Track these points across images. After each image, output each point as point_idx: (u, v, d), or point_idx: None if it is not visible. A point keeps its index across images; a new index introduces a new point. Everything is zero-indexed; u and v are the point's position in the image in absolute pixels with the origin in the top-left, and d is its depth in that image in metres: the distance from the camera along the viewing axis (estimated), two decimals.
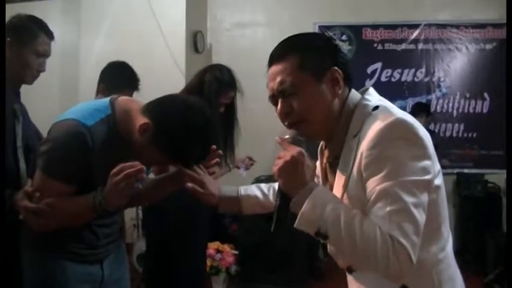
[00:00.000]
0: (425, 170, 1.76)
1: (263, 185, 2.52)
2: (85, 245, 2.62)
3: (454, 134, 8.34)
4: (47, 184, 2.41)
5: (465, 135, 8.31)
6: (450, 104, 8.38)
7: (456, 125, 8.36)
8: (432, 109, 8.30)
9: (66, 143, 2.35)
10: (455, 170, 8.14)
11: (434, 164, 1.83)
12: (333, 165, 2.03)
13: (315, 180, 2.06)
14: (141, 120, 2.39)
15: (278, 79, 1.94)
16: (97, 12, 8.10)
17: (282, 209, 1.94)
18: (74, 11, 8.10)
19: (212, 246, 6.43)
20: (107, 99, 2.54)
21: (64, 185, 2.40)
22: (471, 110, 8.34)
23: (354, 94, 2.01)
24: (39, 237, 2.50)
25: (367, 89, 2.04)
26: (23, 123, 3.10)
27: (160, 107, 2.44)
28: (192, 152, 2.42)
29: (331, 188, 2.00)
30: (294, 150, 1.86)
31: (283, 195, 1.92)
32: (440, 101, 8.39)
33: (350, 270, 2.07)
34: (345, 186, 1.89)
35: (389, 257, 1.64)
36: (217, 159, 2.59)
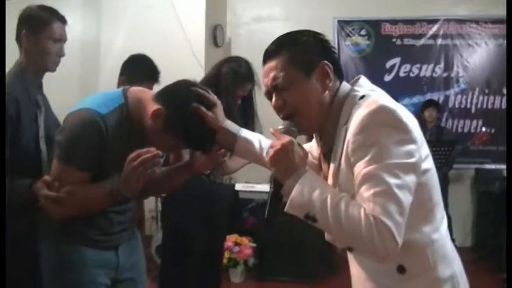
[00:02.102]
0: (410, 154, 1.81)
1: (264, 138, 2.55)
2: (100, 231, 2.68)
3: (472, 130, 8.33)
4: (63, 172, 2.47)
5: (483, 130, 8.27)
6: (469, 100, 8.37)
7: (474, 120, 8.35)
8: (450, 105, 8.32)
9: (81, 131, 2.42)
10: (474, 166, 8.14)
11: (421, 148, 1.88)
12: (326, 155, 2.09)
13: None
14: (153, 106, 2.45)
15: (271, 75, 2.04)
16: (117, 6, 8.16)
17: (276, 196, 2.00)
18: (94, 5, 8.16)
19: (230, 239, 6.46)
20: (119, 90, 2.61)
21: (80, 172, 2.46)
22: (490, 106, 8.32)
23: (344, 86, 2.06)
24: (56, 223, 2.56)
25: (358, 79, 2.09)
26: (45, 114, 3.15)
27: (171, 92, 2.51)
28: (203, 135, 2.47)
29: (326, 178, 2.07)
30: (284, 139, 1.94)
31: (276, 183, 1.99)
32: (459, 96, 8.39)
33: (350, 249, 2.11)
34: (336, 174, 1.96)
35: (373, 237, 1.70)
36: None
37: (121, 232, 2.78)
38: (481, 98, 8.36)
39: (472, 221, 8.07)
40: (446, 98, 8.37)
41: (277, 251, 6.64)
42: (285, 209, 1.90)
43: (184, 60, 7.61)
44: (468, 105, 8.39)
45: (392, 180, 1.74)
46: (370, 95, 1.95)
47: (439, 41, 8.44)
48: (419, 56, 8.50)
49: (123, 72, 4.42)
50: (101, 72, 7.86)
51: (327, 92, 2.02)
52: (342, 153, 1.92)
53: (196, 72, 7.12)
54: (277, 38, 2.11)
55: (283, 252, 6.62)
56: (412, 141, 1.83)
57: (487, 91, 8.34)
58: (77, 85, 7.45)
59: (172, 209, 4.20)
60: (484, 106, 8.35)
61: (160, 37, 7.70)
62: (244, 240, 6.70)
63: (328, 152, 2.06)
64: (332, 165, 2.00)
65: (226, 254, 6.32)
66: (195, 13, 7.87)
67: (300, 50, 2.03)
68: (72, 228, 2.58)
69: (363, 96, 1.95)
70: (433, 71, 8.44)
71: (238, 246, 6.57)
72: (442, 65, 8.43)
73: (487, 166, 8.10)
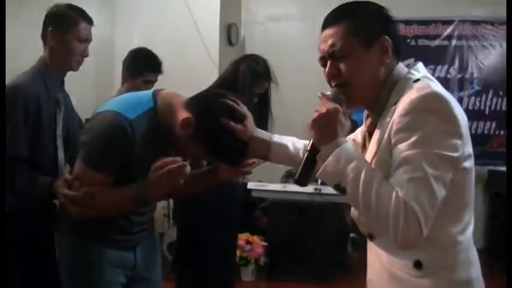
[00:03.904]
0: (454, 147, 1.78)
1: (297, 139, 2.56)
2: (119, 231, 2.68)
3: (486, 132, 8.29)
4: (86, 174, 2.47)
5: (497, 132, 8.27)
6: (483, 101, 8.32)
7: (488, 122, 8.31)
8: (464, 106, 8.24)
9: (106, 134, 2.40)
10: (487, 168, 8.09)
11: (465, 146, 1.85)
12: (371, 133, 2.07)
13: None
14: (183, 114, 2.42)
15: (329, 42, 2.01)
16: (132, 4, 8.20)
17: (310, 161, 2.00)
18: (109, 4, 8.18)
19: (242, 238, 6.47)
20: (149, 92, 2.57)
21: (103, 175, 2.45)
22: (504, 108, 8.26)
23: (401, 67, 2.05)
24: (75, 222, 2.56)
25: (416, 64, 2.07)
26: (65, 113, 3.18)
27: (201, 103, 2.48)
28: (231, 150, 2.47)
29: (367, 156, 2.04)
30: (330, 105, 1.93)
31: (313, 147, 1.99)
32: (473, 98, 8.34)
33: (371, 237, 2.10)
34: (376, 151, 1.95)
35: (399, 222, 1.69)
36: (254, 160, 2.64)
37: (140, 233, 2.78)
38: (495, 99, 8.30)
39: (485, 223, 8.02)
40: (460, 99, 8.30)
41: (289, 250, 6.65)
42: (317, 175, 1.91)
43: (198, 59, 7.64)
44: (482, 107, 8.33)
45: (431, 170, 1.73)
46: (424, 80, 1.93)
47: (454, 42, 8.39)
48: (434, 56, 8.43)
49: (124, 68, 4.44)
50: (116, 70, 7.79)
51: (382, 68, 2.01)
52: (385, 132, 1.90)
53: (210, 70, 7.18)
54: (341, 5, 2.09)
55: (295, 252, 6.63)
56: (459, 135, 1.81)
57: (501, 93, 8.28)
58: (92, 82, 7.47)
59: (188, 207, 4.21)
60: (498, 108, 8.30)
61: (174, 36, 7.72)
62: (256, 239, 6.72)
63: (373, 131, 2.05)
64: (373, 143, 2.00)
65: (238, 253, 6.32)
66: (209, 12, 7.88)
67: (362, 21, 2.01)
68: (91, 227, 2.57)
69: (417, 80, 1.94)
70: (448, 72, 8.40)
71: (250, 245, 6.60)
72: (456, 66, 8.39)
73: (500, 168, 8.04)
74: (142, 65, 4.32)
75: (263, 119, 4.26)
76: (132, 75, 4.28)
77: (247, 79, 4.07)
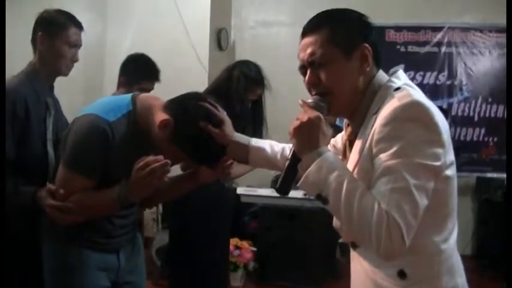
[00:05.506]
0: (435, 156, 1.77)
1: (276, 143, 2.59)
2: (102, 234, 2.69)
3: (475, 138, 8.31)
4: (68, 178, 2.48)
5: (486, 139, 8.28)
6: (471, 108, 8.33)
7: (477, 129, 8.32)
8: (453, 113, 8.27)
9: (87, 138, 2.43)
10: (475, 174, 8.12)
11: (447, 154, 1.84)
12: (352, 142, 2.06)
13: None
14: (161, 116, 2.45)
15: (309, 50, 2.00)
16: (122, 8, 8.19)
17: (291, 169, 1.99)
18: (100, 9, 8.17)
19: (231, 243, 6.41)
20: (128, 95, 2.61)
21: (85, 179, 2.47)
22: (493, 115, 8.28)
23: (381, 75, 2.04)
24: (58, 226, 2.57)
25: (396, 71, 2.07)
26: (55, 117, 3.17)
27: (181, 105, 2.51)
28: (207, 152, 2.50)
29: (349, 165, 2.03)
30: (312, 113, 1.92)
31: (294, 156, 1.97)
32: (462, 104, 8.35)
33: (354, 245, 2.09)
34: (357, 161, 1.93)
35: (382, 233, 1.67)
36: (231, 161, 2.65)
37: (123, 235, 2.80)
38: (484, 106, 8.32)
39: (474, 230, 8.04)
40: (449, 105, 8.33)
41: (278, 255, 6.64)
42: (298, 184, 1.89)
43: (188, 63, 7.65)
44: (471, 114, 8.35)
45: (412, 180, 1.71)
46: (405, 88, 1.92)
47: (443, 49, 8.40)
48: (423, 63, 8.44)
49: (122, 73, 4.43)
50: (106, 75, 7.87)
51: (362, 77, 2.00)
52: (366, 142, 1.88)
53: (200, 75, 7.19)
54: (320, 13, 2.07)
55: (284, 257, 6.62)
56: (440, 144, 1.80)
57: (490, 100, 8.30)
58: (82, 87, 7.45)
59: (179, 211, 4.20)
60: (487, 115, 8.31)
61: (164, 40, 7.73)
62: (245, 244, 6.70)
63: (354, 140, 2.03)
64: (354, 152, 1.98)
65: None
66: (199, 16, 7.88)
67: (342, 29, 2.00)
68: (74, 230, 2.58)
69: (398, 88, 1.93)
70: (437, 78, 8.40)
71: (239, 250, 6.57)
72: (445, 72, 8.39)
73: (489, 175, 8.07)
74: (140, 73, 4.32)
75: (257, 124, 4.27)
76: (129, 82, 4.27)
77: (241, 85, 4.08)
